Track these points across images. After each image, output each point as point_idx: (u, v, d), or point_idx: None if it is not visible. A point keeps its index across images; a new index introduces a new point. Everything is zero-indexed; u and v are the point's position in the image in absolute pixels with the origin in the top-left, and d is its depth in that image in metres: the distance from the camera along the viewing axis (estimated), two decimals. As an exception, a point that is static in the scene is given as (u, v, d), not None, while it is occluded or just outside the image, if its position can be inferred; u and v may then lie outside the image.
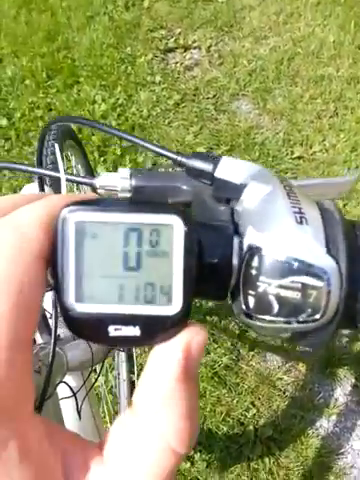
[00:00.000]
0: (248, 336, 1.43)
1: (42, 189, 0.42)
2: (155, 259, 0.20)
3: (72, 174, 0.34)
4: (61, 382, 0.53)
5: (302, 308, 0.21)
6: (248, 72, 2.11)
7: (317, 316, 0.21)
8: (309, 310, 0.21)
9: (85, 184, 0.35)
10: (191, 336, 0.19)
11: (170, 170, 0.36)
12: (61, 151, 0.82)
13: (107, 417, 1.11)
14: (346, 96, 2.00)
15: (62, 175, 0.32)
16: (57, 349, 0.51)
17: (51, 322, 0.56)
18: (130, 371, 1.22)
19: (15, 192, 1.66)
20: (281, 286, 0.21)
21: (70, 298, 0.19)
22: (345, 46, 2.17)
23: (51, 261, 0.19)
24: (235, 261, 0.22)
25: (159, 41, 2.27)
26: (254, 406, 1.32)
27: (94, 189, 0.35)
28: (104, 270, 0.19)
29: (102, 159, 1.80)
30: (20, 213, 0.19)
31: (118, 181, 0.34)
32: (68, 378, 0.63)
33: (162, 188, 0.33)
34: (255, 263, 0.21)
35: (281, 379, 1.36)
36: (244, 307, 0.22)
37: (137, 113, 1.97)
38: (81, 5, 2.41)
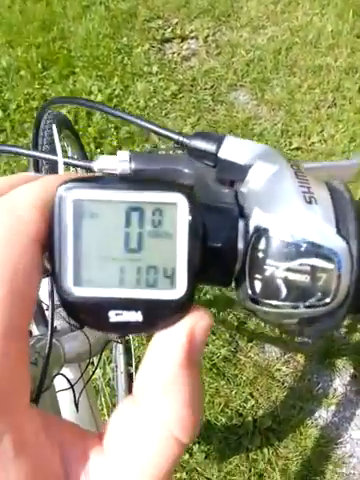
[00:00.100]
0: (246, 328, 1.43)
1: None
2: (158, 240, 0.18)
3: (70, 157, 0.33)
4: (58, 374, 0.53)
5: (311, 292, 0.20)
6: (246, 62, 2.09)
7: (327, 300, 0.20)
8: (319, 294, 0.20)
9: (83, 167, 0.34)
10: (195, 321, 0.18)
11: (171, 153, 0.35)
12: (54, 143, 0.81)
13: (105, 410, 1.11)
14: (344, 86, 1.99)
15: (60, 158, 0.31)
16: (54, 340, 0.51)
17: (48, 313, 0.55)
18: (128, 363, 1.22)
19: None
20: (289, 269, 0.20)
21: (68, 282, 0.18)
22: (343, 35, 2.15)
23: (48, 243, 0.18)
24: (240, 244, 0.21)
25: (156, 31, 2.24)
26: (253, 397, 1.32)
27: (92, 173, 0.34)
28: (104, 252, 0.18)
29: (98, 150, 1.79)
30: (15, 194, 0.18)
31: (117, 164, 0.33)
32: (65, 370, 0.62)
33: (163, 171, 0.32)
34: (262, 246, 0.20)
35: (280, 370, 1.36)
36: (250, 292, 0.21)
37: (134, 104, 1.95)
38: (76, -6, 2.38)
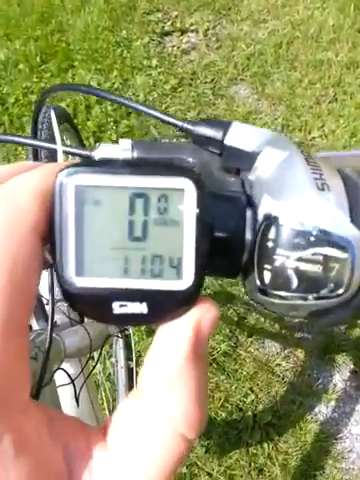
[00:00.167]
0: (246, 323, 1.42)
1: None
2: (163, 228, 0.18)
3: (69, 146, 0.32)
4: (58, 369, 0.52)
5: (323, 283, 0.19)
6: (246, 56, 2.07)
7: (340, 291, 0.20)
8: (331, 285, 0.19)
9: (82, 156, 0.33)
10: (202, 312, 0.17)
11: (174, 141, 0.34)
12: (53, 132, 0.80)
13: (105, 404, 1.10)
14: (345, 81, 1.97)
15: (59, 146, 0.30)
16: (54, 335, 0.50)
17: (48, 308, 0.54)
18: (128, 358, 1.22)
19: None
20: (300, 259, 0.19)
21: (70, 272, 0.17)
22: (344, 30, 2.13)
23: (49, 232, 0.17)
24: (248, 234, 0.20)
25: (155, 24, 2.22)
26: (253, 392, 1.32)
27: None
28: (107, 241, 0.18)
29: (97, 145, 1.78)
30: (14, 183, 0.17)
31: (119, 153, 0.32)
32: (66, 365, 0.62)
33: (166, 160, 0.31)
34: (272, 235, 0.20)
35: (280, 365, 1.36)
36: (259, 283, 0.21)
37: (133, 98, 1.93)
38: (75, -13, 2.36)
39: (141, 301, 0.18)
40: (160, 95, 1.96)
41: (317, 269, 0.19)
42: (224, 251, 0.20)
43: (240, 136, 0.27)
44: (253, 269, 0.21)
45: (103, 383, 1.12)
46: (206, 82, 2.01)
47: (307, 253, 0.19)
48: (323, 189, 0.20)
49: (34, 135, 0.39)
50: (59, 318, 0.62)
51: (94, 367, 0.71)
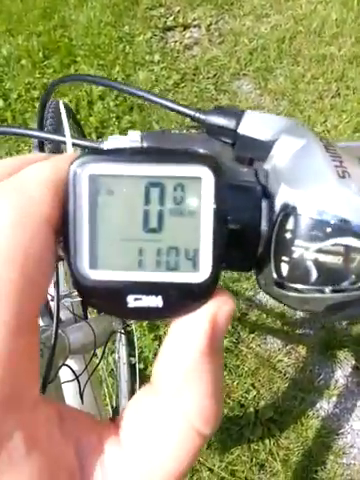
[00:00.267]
0: (248, 319, 1.43)
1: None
2: (179, 219, 0.17)
3: (78, 138, 0.32)
4: (63, 365, 0.53)
5: (344, 275, 0.19)
6: (249, 51, 2.06)
7: None
8: (352, 277, 0.19)
9: (92, 148, 0.32)
10: (218, 305, 0.17)
11: (184, 132, 0.33)
12: (59, 127, 0.80)
13: (108, 400, 1.11)
14: (348, 76, 1.96)
15: (68, 138, 0.30)
16: (59, 331, 0.50)
17: (52, 304, 0.55)
18: (130, 354, 1.22)
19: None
20: (320, 250, 0.18)
21: (83, 265, 0.17)
22: (348, 24, 2.12)
23: (61, 224, 0.17)
24: (264, 226, 0.19)
25: (158, 19, 2.21)
26: (254, 388, 1.32)
27: None
28: (121, 232, 0.17)
29: (100, 141, 1.77)
30: (25, 174, 0.17)
31: (128, 145, 0.31)
32: (70, 361, 0.62)
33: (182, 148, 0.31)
34: (290, 225, 0.19)
35: (281, 361, 1.37)
36: (275, 276, 0.20)
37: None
38: (77, -19, 2.35)
39: (156, 294, 0.17)
40: (162, 90, 1.95)
41: (337, 260, 0.18)
42: (239, 243, 0.19)
43: (254, 125, 0.26)
44: (269, 261, 0.20)
45: (106, 379, 1.13)
46: (209, 77, 2.00)
47: (327, 244, 0.18)
48: (344, 177, 0.19)
49: (40, 128, 0.39)
50: (63, 314, 0.62)
51: (98, 364, 0.71)
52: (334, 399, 1.32)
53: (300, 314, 1.44)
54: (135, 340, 1.19)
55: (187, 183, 0.17)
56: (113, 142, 0.30)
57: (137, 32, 2.16)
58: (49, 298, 0.59)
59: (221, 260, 0.17)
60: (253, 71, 2.01)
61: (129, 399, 1.12)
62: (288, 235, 0.19)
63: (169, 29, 2.19)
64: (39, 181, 0.16)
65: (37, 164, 0.17)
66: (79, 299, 0.67)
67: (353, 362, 1.37)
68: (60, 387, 0.58)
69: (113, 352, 1.25)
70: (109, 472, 0.17)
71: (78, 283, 0.17)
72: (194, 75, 2.01)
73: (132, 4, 2.28)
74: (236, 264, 0.21)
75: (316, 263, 0.19)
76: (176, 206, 0.17)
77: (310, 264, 0.19)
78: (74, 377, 0.58)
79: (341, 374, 1.35)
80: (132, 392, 1.16)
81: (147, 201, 0.17)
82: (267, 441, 1.25)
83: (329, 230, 0.18)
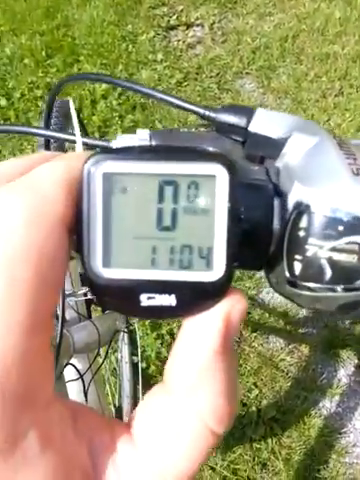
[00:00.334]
0: (251, 318, 1.43)
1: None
2: (193, 217, 0.17)
3: (87, 137, 0.32)
4: (68, 364, 0.53)
5: (358, 273, 0.18)
6: (252, 50, 2.06)
7: None
8: None
9: (100, 147, 0.32)
10: (231, 304, 0.17)
11: (193, 130, 0.33)
12: (64, 126, 0.80)
13: (110, 399, 1.11)
14: (351, 74, 1.96)
15: (78, 137, 0.29)
16: (64, 330, 0.51)
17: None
18: (132, 353, 1.22)
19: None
20: (334, 248, 0.18)
21: (96, 263, 0.17)
22: (351, 22, 2.11)
23: (76, 222, 0.16)
24: (276, 224, 0.19)
25: (161, 18, 2.21)
26: (257, 387, 1.33)
27: None
28: (135, 230, 0.17)
29: (104, 138, 1.78)
30: (38, 173, 0.16)
31: (137, 143, 0.30)
32: (74, 360, 0.62)
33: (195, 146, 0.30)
34: (303, 223, 0.19)
35: (284, 360, 1.37)
36: (288, 274, 0.19)
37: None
38: (80, -19, 2.35)
39: (170, 293, 0.17)
40: (165, 89, 1.95)
41: (352, 259, 0.18)
42: (251, 242, 0.19)
43: (265, 122, 0.26)
44: (282, 260, 0.20)
45: (108, 378, 1.13)
46: (211, 76, 2.00)
47: (341, 242, 0.18)
48: (358, 174, 0.19)
49: (47, 126, 0.39)
50: (68, 313, 0.62)
51: (102, 363, 0.71)
52: (337, 398, 1.32)
53: (303, 313, 1.44)
54: (138, 339, 1.19)
55: (201, 181, 0.17)
56: (122, 141, 0.30)
57: (140, 31, 2.16)
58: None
59: (235, 259, 0.17)
60: (256, 70, 2.01)
61: (131, 398, 1.13)
62: (301, 233, 0.19)
63: (172, 28, 2.19)
64: (53, 180, 0.16)
65: (50, 163, 0.17)
66: (83, 298, 0.67)
67: (356, 361, 1.37)
68: (64, 386, 0.58)
69: (115, 351, 1.26)
70: (122, 471, 0.17)
71: (91, 281, 0.17)
72: (197, 74, 2.01)
73: (135, 3, 2.28)
74: (248, 263, 0.20)
75: (330, 261, 0.18)
76: (190, 204, 0.17)
77: (324, 262, 0.19)
78: (78, 376, 0.58)
79: (344, 373, 1.35)
80: (134, 391, 1.16)
81: (161, 199, 0.17)
82: (269, 440, 1.25)
83: (343, 228, 0.18)
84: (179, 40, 2.14)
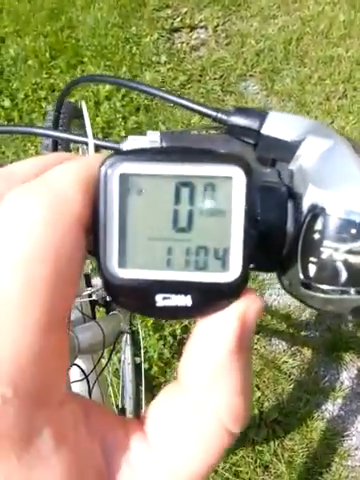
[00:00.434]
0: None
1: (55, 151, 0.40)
2: (209, 218, 0.17)
3: (98, 139, 0.32)
4: (73, 365, 0.53)
5: None
6: (256, 52, 2.06)
7: None
8: None
9: (111, 149, 0.32)
10: (247, 304, 0.17)
11: (204, 132, 0.33)
12: (70, 126, 0.80)
13: (113, 399, 1.11)
14: (355, 77, 1.96)
15: (90, 139, 0.30)
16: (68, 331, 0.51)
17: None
18: (135, 354, 1.22)
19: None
20: (350, 251, 0.18)
21: (112, 263, 0.17)
22: (355, 25, 2.11)
23: (92, 223, 0.17)
24: (290, 226, 0.20)
25: (165, 20, 2.21)
26: (259, 389, 1.32)
27: None
28: (151, 231, 0.17)
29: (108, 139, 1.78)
30: (55, 173, 0.17)
31: (147, 145, 0.31)
32: (78, 361, 0.62)
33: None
34: (318, 226, 0.19)
35: (286, 362, 1.36)
36: (302, 276, 0.20)
37: (142, 94, 1.93)
38: (85, -17, 2.35)
39: (185, 294, 0.17)
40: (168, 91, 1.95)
41: None
42: (265, 244, 0.19)
43: (278, 125, 0.26)
44: (296, 262, 0.20)
45: (111, 379, 1.13)
46: (215, 78, 2.00)
47: (356, 245, 0.18)
48: None
49: (56, 128, 0.39)
50: (72, 314, 0.62)
51: (107, 364, 0.72)
52: (339, 401, 1.32)
53: (306, 316, 1.44)
54: (141, 340, 1.19)
55: (218, 183, 0.17)
56: (132, 142, 0.30)
57: (144, 33, 2.16)
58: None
59: (250, 260, 0.17)
60: (260, 72, 2.01)
61: (134, 399, 1.13)
62: (316, 236, 0.19)
63: (176, 30, 2.19)
64: (70, 180, 0.16)
65: (67, 164, 0.17)
66: (88, 299, 0.67)
67: (359, 364, 1.37)
68: (69, 386, 0.59)
69: (118, 352, 1.26)
70: (137, 469, 0.17)
71: (107, 282, 0.17)
72: (200, 76, 2.01)
73: (139, 5, 2.28)
74: (262, 265, 0.21)
75: (346, 264, 0.19)
76: (206, 206, 0.17)
77: (339, 265, 0.19)
78: (83, 376, 0.58)
79: (346, 376, 1.35)
80: (137, 392, 1.16)
81: (177, 200, 0.17)
82: (271, 442, 1.25)
83: (359, 230, 0.18)
84: (183, 42, 2.15)
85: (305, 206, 0.20)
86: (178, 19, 2.22)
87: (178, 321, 1.22)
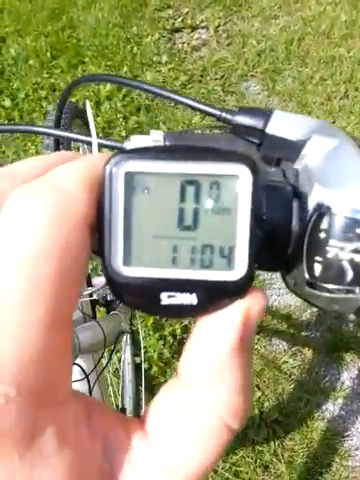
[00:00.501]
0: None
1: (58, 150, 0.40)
2: (215, 217, 0.17)
3: (102, 138, 0.32)
4: (73, 364, 0.53)
5: None
6: (257, 52, 2.06)
7: None
8: None
9: (115, 148, 0.32)
10: (251, 302, 0.17)
11: (207, 132, 0.33)
12: (71, 126, 0.80)
13: (113, 399, 1.11)
14: (357, 77, 1.96)
15: (94, 139, 0.30)
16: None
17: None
18: (135, 354, 1.23)
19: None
20: (356, 250, 0.18)
21: (117, 261, 0.17)
22: (357, 25, 2.11)
23: (97, 221, 0.17)
24: (295, 225, 0.20)
25: (166, 21, 2.22)
26: (259, 389, 1.32)
27: None
28: (156, 229, 0.17)
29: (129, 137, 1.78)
30: (59, 172, 0.17)
31: (151, 144, 0.31)
32: (78, 361, 0.62)
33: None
34: (324, 225, 0.19)
35: (287, 362, 1.36)
36: (307, 276, 0.20)
37: (143, 94, 1.93)
38: (86, -18, 2.36)
39: (190, 292, 0.17)
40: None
41: None
42: (270, 243, 0.19)
43: (283, 125, 0.26)
44: (301, 261, 0.20)
45: (111, 379, 1.13)
46: (216, 79, 2.00)
47: None
48: None
49: (58, 127, 0.39)
50: (73, 313, 0.62)
51: (107, 363, 0.72)
52: (340, 401, 1.32)
53: (306, 316, 1.44)
54: (141, 340, 1.19)
55: (224, 181, 0.17)
56: (136, 142, 0.30)
57: (145, 33, 2.17)
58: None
59: (256, 259, 0.17)
60: (261, 72, 2.01)
61: (134, 399, 1.13)
62: (322, 235, 0.19)
63: (177, 30, 2.19)
64: (75, 179, 0.16)
65: (71, 163, 0.17)
66: (89, 298, 0.67)
67: (359, 364, 1.37)
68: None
69: (118, 351, 1.26)
70: (137, 467, 0.17)
71: (112, 280, 0.17)
72: (201, 76, 2.01)
73: (140, 5, 2.28)
74: (266, 264, 0.21)
75: (351, 263, 0.19)
76: (212, 204, 0.17)
77: (345, 264, 0.19)
78: (84, 376, 0.58)
79: (347, 376, 1.35)
80: (137, 392, 1.17)
81: (182, 199, 0.17)
82: (272, 442, 1.25)
83: None
84: (184, 42, 2.15)
85: (311, 205, 0.20)
86: (179, 19, 2.22)
87: (179, 320, 1.21)
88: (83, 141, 0.32)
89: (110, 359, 0.76)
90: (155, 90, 0.34)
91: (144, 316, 1.33)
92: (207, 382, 0.17)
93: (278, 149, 0.26)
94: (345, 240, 0.18)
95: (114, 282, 0.17)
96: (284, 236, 0.20)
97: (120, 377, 1.21)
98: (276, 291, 1.47)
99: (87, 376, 0.58)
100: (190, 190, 0.17)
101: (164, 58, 2.06)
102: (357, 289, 0.19)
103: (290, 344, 1.39)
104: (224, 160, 0.17)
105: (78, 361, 0.61)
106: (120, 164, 0.17)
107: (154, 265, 0.17)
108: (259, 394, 1.31)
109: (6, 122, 1.86)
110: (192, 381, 0.17)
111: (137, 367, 1.20)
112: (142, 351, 1.20)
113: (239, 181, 0.17)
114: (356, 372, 1.36)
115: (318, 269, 0.19)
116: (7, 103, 1.90)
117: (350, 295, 0.19)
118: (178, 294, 0.17)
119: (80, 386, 0.62)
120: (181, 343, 1.37)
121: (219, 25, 2.20)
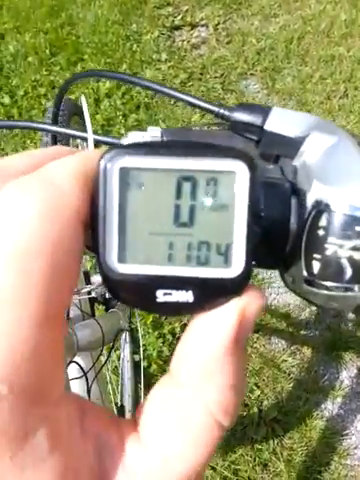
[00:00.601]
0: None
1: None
2: (211, 213, 0.17)
3: (98, 134, 0.32)
4: (71, 362, 0.53)
5: None
6: (257, 51, 2.06)
7: None
8: None
9: (111, 144, 0.32)
10: (248, 301, 0.17)
11: (205, 128, 0.33)
12: (69, 123, 0.80)
13: (112, 397, 1.11)
14: (357, 77, 1.96)
15: (90, 135, 0.29)
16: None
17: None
18: (134, 352, 1.22)
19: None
20: (355, 248, 0.18)
21: (112, 258, 0.17)
22: (357, 24, 2.11)
23: (91, 217, 0.16)
24: (293, 223, 0.19)
25: (166, 18, 2.21)
26: (258, 387, 1.32)
27: None
28: (151, 226, 0.17)
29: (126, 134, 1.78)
30: (53, 167, 0.16)
31: (148, 140, 0.31)
32: (77, 358, 0.62)
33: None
34: (323, 222, 0.19)
35: (286, 361, 1.36)
36: (306, 273, 0.19)
37: (142, 92, 1.93)
38: (85, -20, 2.35)
39: (187, 289, 0.17)
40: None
41: None
42: (268, 240, 0.19)
43: (282, 121, 0.26)
44: (299, 259, 0.20)
45: (110, 376, 1.13)
46: (216, 77, 2.00)
47: None
48: None
49: (55, 123, 0.39)
50: (71, 311, 0.62)
51: (106, 361, 0.71)
52: (339, 400, 1.32)
53: (305, 314, 1.44)
54: (140, 338, 1.19)
55: (220, 177, 0.17)
56: (133, 138, 0.30)
57: (145, 31, 2.16)
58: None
59: (253, 256, 0.17)
60: (261, 71, 2.00)
61: (133, 397, 1.12)
62: (321, 232, 0.19)
63: (177, 28, 2.19)
64: (68, 173, 0.16)
65: (65, 158, 0.17)
66: (87, 296, 0.67)
67: (358, 363, 1.37)
68: (68, 384, 0.58)
69: (117, 349, 1.25)
70: (130, 469, 0.16)
71: (106, 277, 0.17)
72: (201, 74, 2.01)
73: (140, 3, 2.28)
74: (264, 261, 0.20)
75: (350, 261, 0.18)
76: (208, 201, 0.17)
77: (344, 262, 0.18)
78: (82, 374, 0.58)
79: (346, 375, 1.35)
80: (136, 390, 1.16)
81: (178, 195, 0.17)
82: (271, 441, 1.25)
83: None
84: (184, 40, 2.14)
85: (309, 202, 0.19)
86: (179, 17, 2.21)
87: (178, 318, 1.21)
88: (79, 137, 0.32)
89: (109, 357, 0.75)
90: (154, 86, 0.34)
91: (143, 314, 1.33)
92: (199, 380, 0.17)
93: (276, 146, 0.26)
94: (344, 237, 0.18)
95: (109, 279, 0.17)
96: (282, 233, 0.20)
97: (119, 375, 1.21)
98: (275, 290, 1.47)
99: (85, 374, 0.58)
100: (186, 186, 0.17)
101: (164, 56, 2.06)
102: (356, 287, 0.19)
103: (289, 343, 1.39)
104: (221, 156, 0.17)
105: (77, 359, 0.61)
106: (115, 159, 0.16)
107: (149, 262, 0.17)
108: (258, 393, 1.31)
109: (5, 119, 1.85)
110: (184, 378, 0.17)
111: (136, 365, 1.20)
112: (141, 349, 1.20)
113: (236, 177, 0.17)
114: (355, 371, 1.36)
115: (316, 267, 0.19)
116: (6, 100, 1.89)
117: (349, 293, 0.19)
118: (174, 291, 0.17)
119: (78, 384, 0.62)
120: (180, 341, 1.37)
121: (219, 23, 2.19)
